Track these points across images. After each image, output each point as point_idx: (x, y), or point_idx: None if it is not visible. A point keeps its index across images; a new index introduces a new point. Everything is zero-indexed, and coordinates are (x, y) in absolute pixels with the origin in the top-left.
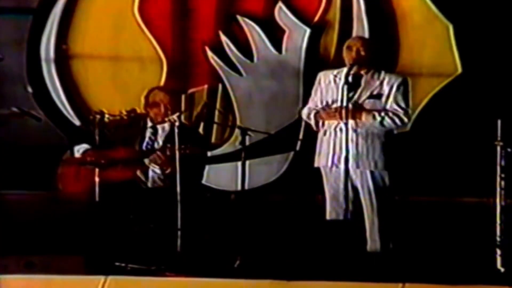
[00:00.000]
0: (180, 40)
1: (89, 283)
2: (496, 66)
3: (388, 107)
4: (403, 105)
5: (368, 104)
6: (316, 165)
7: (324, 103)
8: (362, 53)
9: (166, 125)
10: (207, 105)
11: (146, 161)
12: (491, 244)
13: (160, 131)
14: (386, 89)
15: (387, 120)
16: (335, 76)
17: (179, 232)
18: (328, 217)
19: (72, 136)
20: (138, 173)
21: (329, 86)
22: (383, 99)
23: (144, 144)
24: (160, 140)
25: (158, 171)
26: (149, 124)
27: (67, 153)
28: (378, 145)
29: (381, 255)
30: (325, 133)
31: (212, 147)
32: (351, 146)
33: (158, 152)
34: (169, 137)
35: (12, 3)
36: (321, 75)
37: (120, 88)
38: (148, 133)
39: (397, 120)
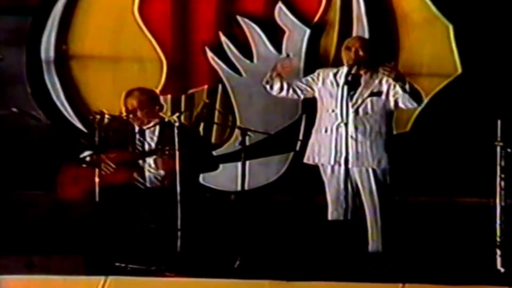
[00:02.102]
0: (180, 40)
1: (89, 283)
2: (496, 66)
3: (395, 97)
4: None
5: (369, 101)
6: (313, 162)
7: (322, 99)
8: (361, 53)
9: (153, 126)
10: (207, 105)
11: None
12: (491, 244)
13: (148, 133)
14: (385, 86)
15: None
16: (335, 74)
17: (179, 232)
18: (330, 217)
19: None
20: (135, 175)
21: (329, 84)
22: (383, 96)
23: (135, 147)
24: (152, 143)
25: (154, 171)
26: (136, 128)
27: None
28: (379, 143)
29: (382, 255)
30: (326, 130)
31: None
32: (352, 144)
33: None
34: (160, 138)
35: (12, 3)
36: (320, 72)
37: (120, 88)
38: (137, 135)
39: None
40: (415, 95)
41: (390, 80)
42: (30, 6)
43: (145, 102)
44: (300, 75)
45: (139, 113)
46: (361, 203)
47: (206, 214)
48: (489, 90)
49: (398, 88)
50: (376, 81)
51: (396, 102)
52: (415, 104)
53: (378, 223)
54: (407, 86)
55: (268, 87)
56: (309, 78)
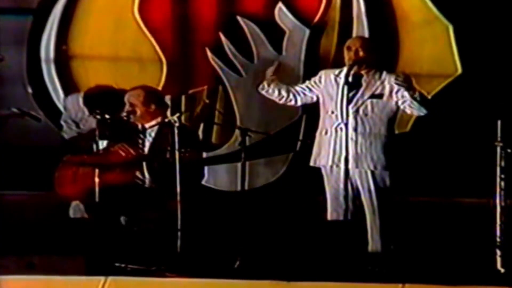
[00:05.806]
0: (180, 40)
1: (89, 283)
2: (496, 66)
3: (399, 101)
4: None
5: (370, 102)
6: (315, 164)
7: (324, 101)
8: (361, 53)
9: (155, 125)
10: (207, 106)
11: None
12: (491, 244)
13: (148, 132)
14: (387, 88)
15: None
16: (336, 75)
17: (179, 232)
18: (329, 217)
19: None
20: (137, 174)
21: (330, 85)
22: (385, 98)
23: (137, 145)
24: (147, 143)
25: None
26: (139, 126)
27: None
28: (379, 144)
29: (382, 256)
30: (326, 132)
31: (210, 147)
32: (351, 146)
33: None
34: (156, 139)
35: (12, 3)
36: (323, 73)
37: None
38: (139, 134)
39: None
40: (425, 103)
41: (393, 83)
42: (30, 6)
43: (144, 100)
44: (300, 75)
45: (138, 111)
46: (361, 204)
47: (206, 214)
48: (489, 90)
49: (406, 94)
50: (378, 82)
51: (402, 106)
52: (424, 112)
53: (377, 223)
54: (417, 96)
55: (264, 93)
56: (311, 81)
